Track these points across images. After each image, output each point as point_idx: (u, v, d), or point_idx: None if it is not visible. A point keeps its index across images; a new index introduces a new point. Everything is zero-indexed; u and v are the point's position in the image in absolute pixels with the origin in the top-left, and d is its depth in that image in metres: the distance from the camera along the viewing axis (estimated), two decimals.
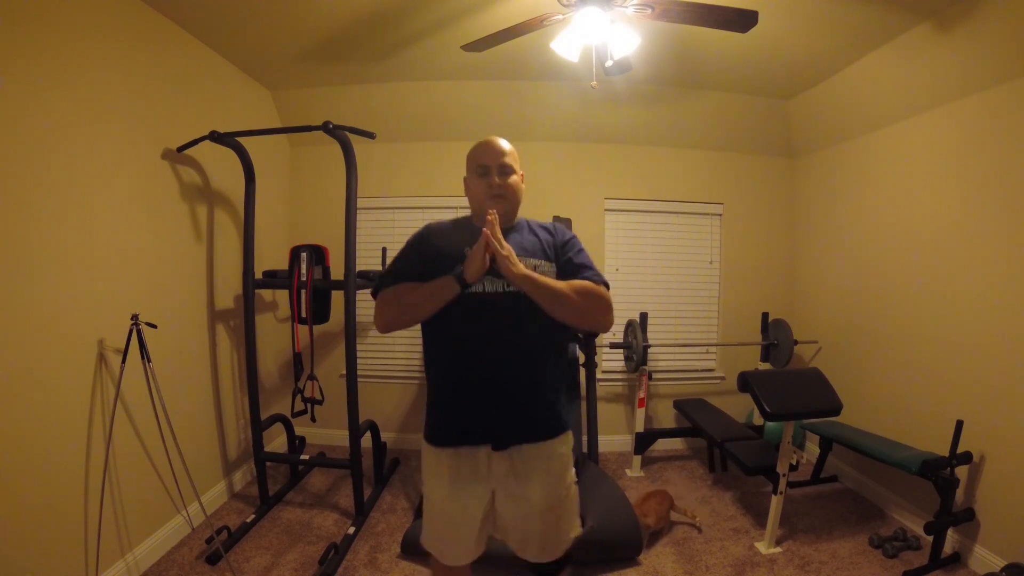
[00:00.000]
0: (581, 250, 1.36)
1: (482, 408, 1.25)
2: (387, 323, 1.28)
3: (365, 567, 2.20)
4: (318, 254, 2.69)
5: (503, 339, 1.24)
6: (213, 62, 2.66)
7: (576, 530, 1.39)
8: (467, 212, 1.44)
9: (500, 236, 1.18)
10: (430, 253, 1.30)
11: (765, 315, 3.49)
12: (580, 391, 3.11)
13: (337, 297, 2.84)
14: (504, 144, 1.33)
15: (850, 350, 3.10)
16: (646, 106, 3.32)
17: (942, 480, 2.13)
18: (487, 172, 1.30)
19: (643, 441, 3.22)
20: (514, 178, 1.33)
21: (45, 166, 1.74)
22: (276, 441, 3.33)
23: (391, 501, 2.80)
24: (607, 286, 1.31)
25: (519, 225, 1.38)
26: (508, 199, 1.32)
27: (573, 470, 1.37)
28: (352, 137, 2.34)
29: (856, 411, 2.83)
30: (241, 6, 2.25)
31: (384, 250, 3.16)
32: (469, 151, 1.36)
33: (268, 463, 2.75)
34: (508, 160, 1.31)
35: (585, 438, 3.06)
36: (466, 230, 1.32)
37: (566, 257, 1.33)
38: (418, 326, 1.32)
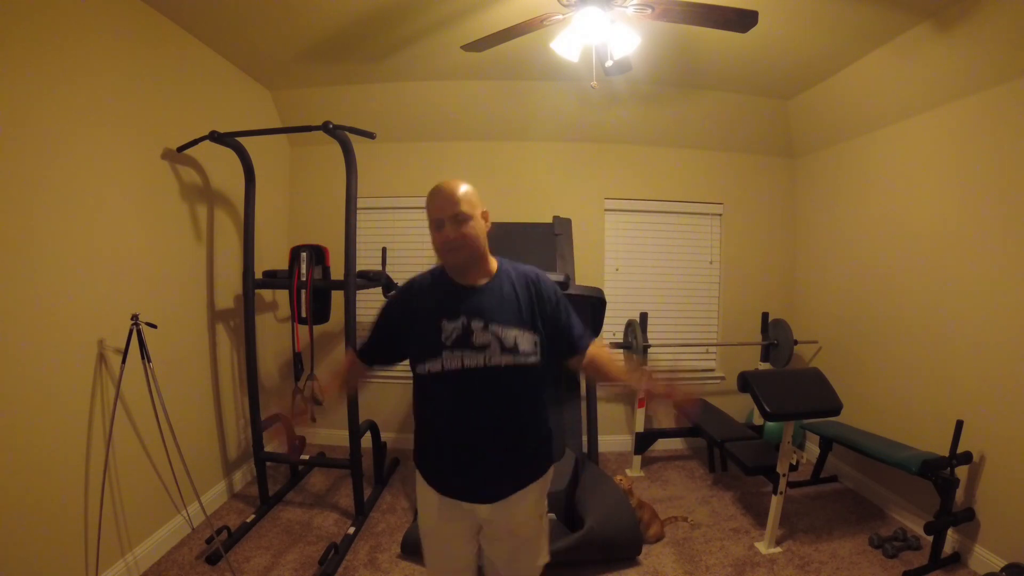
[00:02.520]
0: (570, 312, 1.34)
1: (464, 472, 1.27)
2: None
3: (365, 567, 2.20)
4: (318, 254, 2.69)
5: (485, 411, 1.24)
6: (213, 62, 2.66)
7: (544, 558, 1.43)
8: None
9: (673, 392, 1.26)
10: (409, 321, 1.30)
11: (765, 315, 3.49)
12: (580, 391, 3.11)
13: (337, 297, 2.84)
14: (457, 189, 1.24)
15: (850, 350, 3.10)
16: (646, 106, 3.32)
17: (942, 480, 2.13)
18: (441, 226, 1.23)
19: (643, 441, 3.22)
20: (471, 225, 1.23)
21: (45, 166, 1.74)
22: (276, 441, 3.33)
23: (391, 501, 2.80)
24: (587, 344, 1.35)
25: (499, 276, 1.30)
26: (464, 250, 1.24)
27: (546, 502, 1.41)
28: (352, 137, 2.34)
29: (856, 411, 2.83)
30: (241, 6, 2.25)
31: (384, 250, 3.16)
32: (425, 202, 1.28)
33: (268, 463, 2.75)
34: (462, 208, 1.22)
35: (585, 438, 3.06)
36: (443, 290, 1.29)
37: (555, 323, 1.30)
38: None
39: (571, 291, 2.62)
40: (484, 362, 1.20)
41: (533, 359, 1.25)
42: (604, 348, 1.36)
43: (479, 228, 1.26)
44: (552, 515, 2.15)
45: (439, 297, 1.27)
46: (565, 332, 1.32)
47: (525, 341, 1.23)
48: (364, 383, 1.40)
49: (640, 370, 1.34)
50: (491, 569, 1.41)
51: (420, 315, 1.27)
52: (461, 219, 1.23)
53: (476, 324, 1.22)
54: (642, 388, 1.30)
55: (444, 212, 1.23)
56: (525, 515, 1.34)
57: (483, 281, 1.28)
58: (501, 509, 1.28)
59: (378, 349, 1.37)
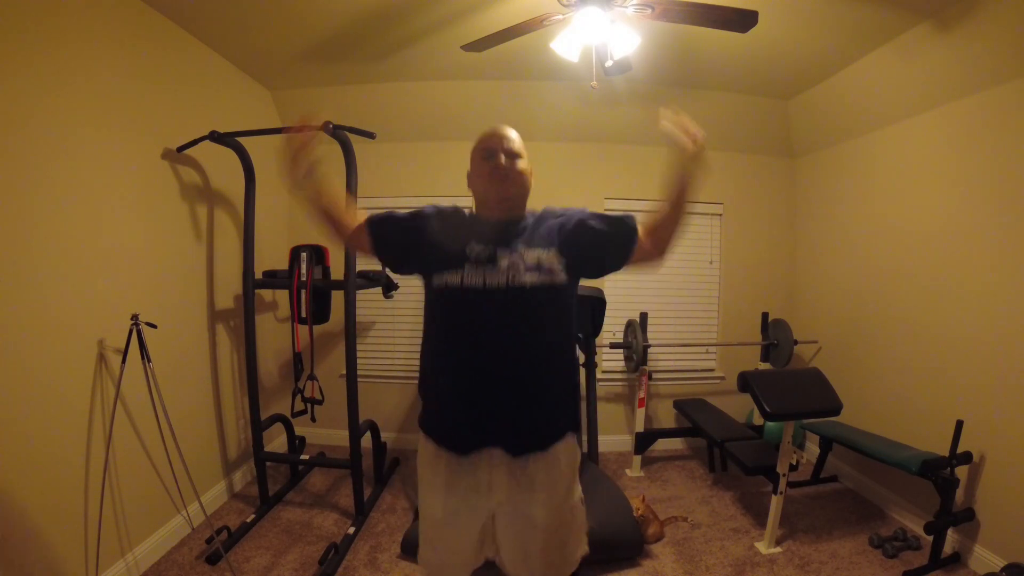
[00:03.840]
0: (603, 219, 1.25)
1: (483, 410, 1.16)
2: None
3: (365, 567, 2.20)
4: (318, 254, 2.68)
5: (507, 337, 1.14)
6: (213, 62, 2.66)
7: (583, 548, 1.31)
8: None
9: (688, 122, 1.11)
10: (433, 230, 1.22)
11: (765, 315, 3.49)
12: (580, 391, 3.10)
13: (337, 297, 2.84)
14: (512, 132, 1.24)
15: (850, 350, 3.10)
16: (646, 106, 3.31)
17: (942, 480, 2.13)
18: (493, 155, 1.20)
19: (643, 441, 3.22)
20: (522, 164, 1.23)
21: (45, 166, 1.74)
22: (276, 441, 3.33)
23: (391, 501, 2.79)
24: (634, 222, 1.25)
25: (532, 215, 1.27)
26: (514, 181, 1.21)
27: (580, 486, 1.30)
28: (352, 137, 2.34)
29: (856, 411, 2.83)
30: (241, 6, 2.25)
31: None
32: (476, 141, 1.26)
33: (268, 463, 2.75)
34: (515, 147, 1.22)
35: (585, 438, 3.06)
36: (474, 221, 1.25)
37: (594, 235, 1.20)
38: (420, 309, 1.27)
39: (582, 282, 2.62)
40: (507, 281, 1.12)
41: (560, 278, 1.16)
42: (649, 219, 1.22)
43: (527, 173, 1.25)
44: None
45: (470, 224, 1.23)
46: (610, 234, 1.22)
47: (548, 259, 1.16)
48: (333, 211, 1.26)
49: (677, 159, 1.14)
50: (516, 565, 1.24)
51: (447, 231, 1.21)
52: (515, 155, 1.21)
53: (503, 251, 1.16)
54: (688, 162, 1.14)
55: (500, 144, 1.21)
56: (552, 499, 1.19)
57: (518, 220, 1.24)
58: (524, 479, 1.15)
59: (393, 227, 1.25)
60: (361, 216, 1.28)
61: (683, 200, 1.17)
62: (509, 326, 1.14)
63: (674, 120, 1.14)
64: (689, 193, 1.16)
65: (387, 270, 1.41)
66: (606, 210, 3.58)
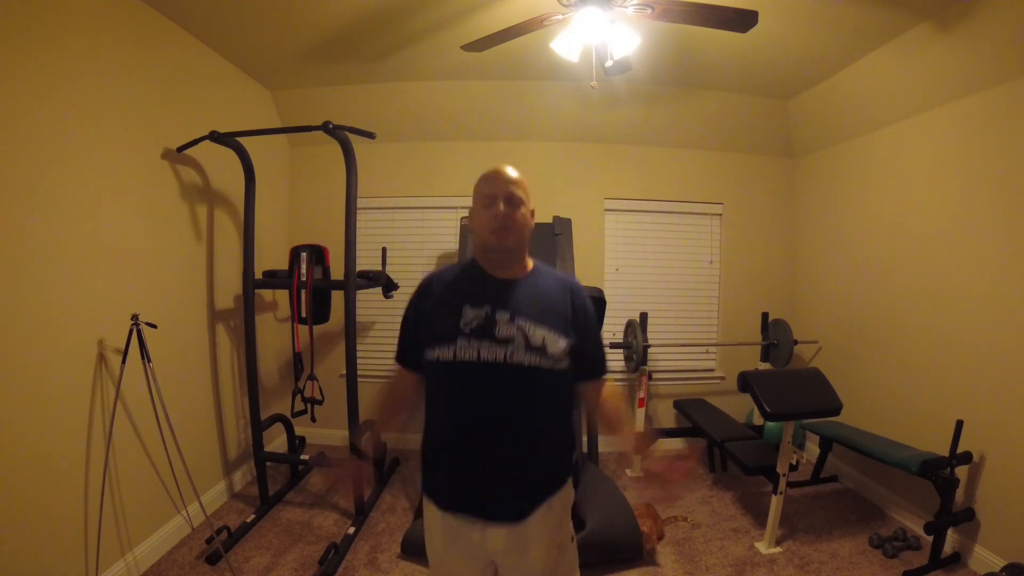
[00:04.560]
0: (599, 332, 1.27)
1: (471, 482, 1.14)
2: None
3: (365, 567, 2.20)
4: (318, 254, 2.69)
5: (497, 415, 1.11)
6: (213, 62, 2.66)
7: None
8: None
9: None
10: (429, 307, 1.19)
11: (765, 315, 3.49)
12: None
13: (337, 297, 2.84)
14: (513, 173, 1.18)
15: (850, 350, 3.10)
16: (646, 106, 3.32)
17: (942, 480, 2.13)
18: (492, 203, 1.15)
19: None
20: (522, 210, 1.17)
21: (45, 166, 1.74)
22: (276, 441, 3.33)
23: (391, 501, 2.79)
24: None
25: (534, 274, 1.22)
26: (514, 232, 1.15)
27: (571, 524, 1.28)
28: (352, 137, 2.34)
29: (856, 411, 2.83)
30: (241, 6, 2.25)
31: (384, 250, 3.15)
32: (476, 182, 1.21)
33: (268, 463, 2.75)
34: (517, 191, 1.16)
35: (585, 438, 3.06)
36: (470, 278, 1.20)
37: (584, 338, 1.19)
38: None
39: None
40: (505, 358, 1.07)
41: (562, 365, 1.12)
42: (619, 392, 1.24)
43: (528, 218, 1.20)
44: None
45: (466, 285, 1.18)
46: (591, 351, 1.22)
47: (554, 343, 1.11)
48: (417, 402, 1.29)
49: (646, 443, 1.23)
50: None
51: (442, 300, 1.17)
52: (516, 202, 1.16)
53: (502, 315, 1.11)
54: (643, 464, 1.18)
55: (500, 190, 1.16)
56: (546, 547, 1.17)
57: (518, 275, 1.19)
58: (517, 539, 1.14)
59: (412, 346, 1.22)
60: (397, 375, 1.30)
61: (623, 443, 1.22)
62: (501, 405, 1.11)
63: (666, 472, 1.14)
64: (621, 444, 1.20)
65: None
66: (606, 211, 3.59)
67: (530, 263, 1.25)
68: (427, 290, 1.23)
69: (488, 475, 1.13)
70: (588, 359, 1.21)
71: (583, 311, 1.21)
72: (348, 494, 1.26)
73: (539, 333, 1.10)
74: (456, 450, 1.15)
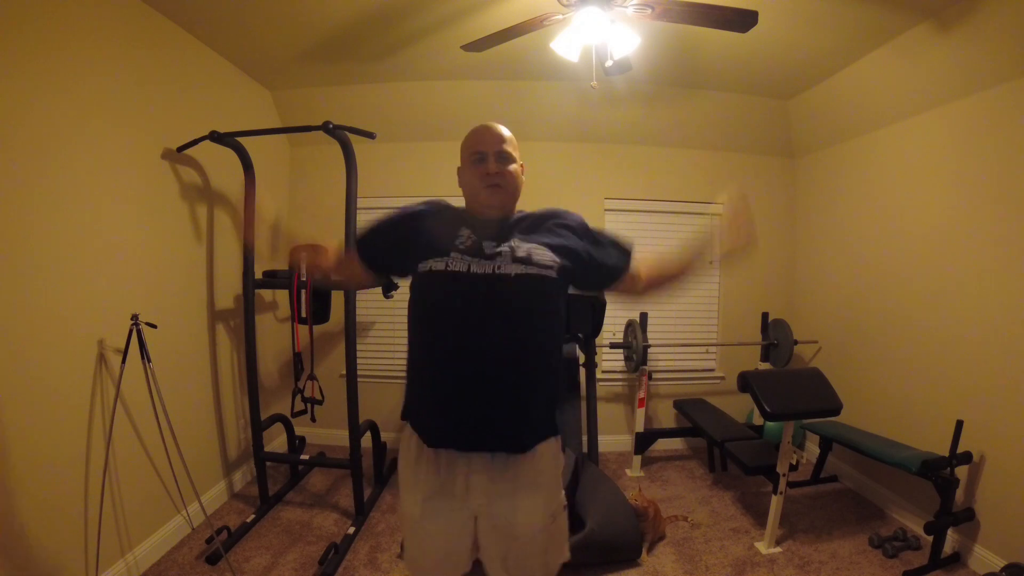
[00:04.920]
0: (601, 237, 1.27)
1: (461, 403, 1.11)
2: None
3: (365, 567, 2.20)
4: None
5: (489, 328, 1.09)
6: (213, 62, 2.66)
7: (564, 556, 1.27)
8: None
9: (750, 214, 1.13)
10: (423, 226, 1.20)
11: (765, 315, 3.49)
12: (580, 391, 3.11)
13: (337, 297, 2.84)
14: (503, 130, 1.21)
15: (850, 350, 3.10)
16: (646, 106, 3.32)
17: (942, 480, 2.13)
18: (483, 159, 1.18)
19: (643, 441, 3.22)
20: (513, 167, 1.20)
21: (45, 166, 1.73)
22: (276, 441, 3.33)
23: (391, 501, 2.79)
24: (630, 253, 1.27)
25: (523, 215, 1.26)
26: (506, 189, 1.18)
27: (563, 493, 1.26)
28: (352, 137, 2.34)
29: (856, 411, 2.83)
30: (241, 6, 2.25)
31: None
32: (464, 139, 1.24)
33: (268, 463, 2.75)
34: (507, 147, 1.19)
35: (585, 438, 3.06)
36: (464, 217, 1.22)
37: (588, 246, 1.22)
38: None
39: (571, 291, 2.62)
40: (493, 269, 1.10)
41: (549, 273, 1.13)
42: (650, 258, 1.23)
43: (519, 174, 1.22)
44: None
45: (459, 220, 1.21)
46: (597, 255, 1.22)
47: (540, 255, 1.13)
48: (346, 276, 1.36)
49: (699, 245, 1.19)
50: (495, 569, 1.21)
51: (436, 223, 1.19)
52: (505, 157, 1.18)
53: (489, 243, 1.14)
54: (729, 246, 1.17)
55: (489, 147, 1.18)
56: (533, 512, 1.15)
57: (505, 215, 1.22)
58: (504, 482, 1.12)
59: (380, 239, 1.24)
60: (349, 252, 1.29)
61: (698, 266, 1.21)
62: (491, 317, 1.10)
63: (737, 209, 1.17)
64: (707, 261, 1.20)
65: (395, 280, 1.40)
66: (606, 211, 3.59)
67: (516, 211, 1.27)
68: (419, 211, 1.25)
69: (476, 394, 1.10)
70: (602, 266, 1.23)
71: (571, 229, 1.24)
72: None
73: (526, 247, 1.14)
74: (442, 370, 1.13)
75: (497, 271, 1.10)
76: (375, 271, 1.30)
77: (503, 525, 1.16)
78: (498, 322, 1.10)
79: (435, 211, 1.25)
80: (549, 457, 1.20)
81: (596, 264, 1.23)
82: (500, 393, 1.11)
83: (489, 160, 1.17)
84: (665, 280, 1.27)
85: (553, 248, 1.17)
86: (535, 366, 1.15)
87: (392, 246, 1.23)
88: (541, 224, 1.22)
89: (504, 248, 1.13)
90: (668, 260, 1.25)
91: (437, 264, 1.11)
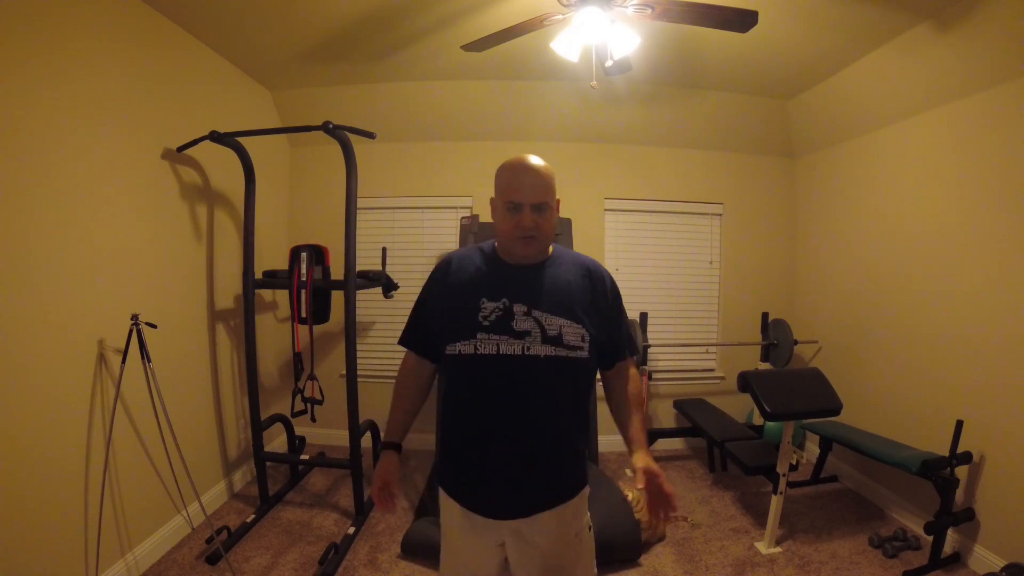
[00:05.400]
0: (623, 313, 1.25)
1: (489, 480, 1.14)
2: None
3: (365, 567, 2.20)
4: (318, 254, 2.69)
5: (518, 407, 1.10)
6: (213, 62, 2.66)
7: (592, 573, 1.28)
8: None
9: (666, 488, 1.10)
10: (446, 294, 1.19)
11: (765, 315, 3.49)
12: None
13: (337, 297, 2.84)
14: (541, 174, 1.11)
15: (850, 350, 3.10)
16: (646, 106, 3.32)
17: (942, 480, 2.13)
18: (519, 209, 1.10)
19: None
20: (548, 215, 1.13)
21: (45, 166, 1.74)
22: (276, 441, 3.33)
23: None
24: (637, 350, 1.26)
25: (554, 260, 1.20)
26: (538, 242, 1.13)
27: (588, 515, 1.27)
28: (352, 137, 2.34)
29: (856, 411, 2.83)
30: (241, 6, 2.25)
31: (384, 250, 3.15)
32: (499, 172, 1.15)
33: (268, 463, 2.75)
34: (544, 196, 1.11)
35: None
36: (489, 266, 1.19)
37: (607, 321, 1.19)
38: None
39: None
40: (523, 350, 1.08)
41: (580, 354, 1.11)
42: (639, 377, 1.24)
43: (554, 219, 1.16)
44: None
45: (484, 273, 1.17)
46: (614, 333, 1.21)
47: (571, 334, 1.11)
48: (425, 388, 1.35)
49: (646, 452, 1.17)
50: None
51: (459, 289, 1.16)
52: (544, 209, 1.11)
53: (519, 308, 1.10)
54: (639, 466, 1.15)
55: (527, 198, 1.10)
56: (560, 534, 1.17)
57: (536, 262, 1.18)
58: (531, 524, 1.14)
59: (421, 332, 1.24)
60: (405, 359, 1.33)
61: (629, 436, 1.24)
62: (523, 397, 1.10)
63: (653, 490, 1.13)
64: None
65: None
66: (606, 211, 3.59)
67: (551, 248, 1.23)
68: (445, 272, 1.22)
69: (504, 472, 1.12)
70: (613, 342, 1.21)
71: (603, 295, 1.20)
72: (396, 491, 1.27)
73: (555, 323, 1.11)
74: (474, 448, 1.15)
75: (527, 352, 1.08)
76: (433, 358, 1.29)
77: (530, 545, 1.18)
78: (530, 402, 1.10)
79: (453, 269, 1.22)
80: (573, 509, 1.21)
81: (613, 337, 1.22)
82: (536, 472, 1.13)
83: (525, 212, 1.10)
84: (625, 403, 1.26)
85: (584, 322, 1.14)
86: (569, 440, 1.17)
87: (430, 334, 1.24)
88: (573, 282, 1.18)
89: (531, 322, 1.10)
90: (637, 400, 1.27)
91: (465, 348, 1.11)
